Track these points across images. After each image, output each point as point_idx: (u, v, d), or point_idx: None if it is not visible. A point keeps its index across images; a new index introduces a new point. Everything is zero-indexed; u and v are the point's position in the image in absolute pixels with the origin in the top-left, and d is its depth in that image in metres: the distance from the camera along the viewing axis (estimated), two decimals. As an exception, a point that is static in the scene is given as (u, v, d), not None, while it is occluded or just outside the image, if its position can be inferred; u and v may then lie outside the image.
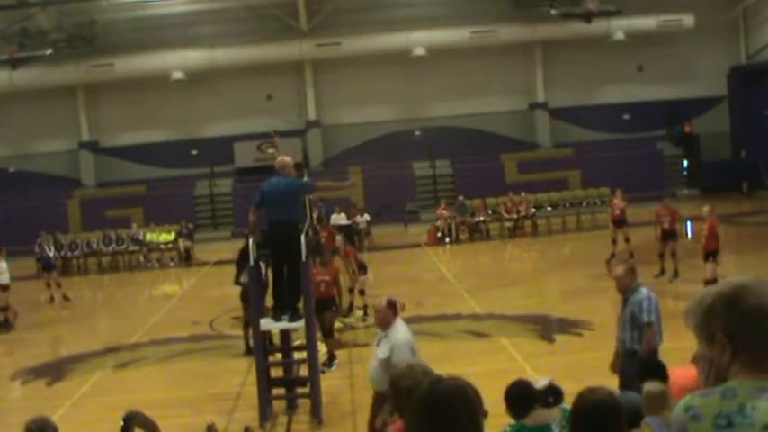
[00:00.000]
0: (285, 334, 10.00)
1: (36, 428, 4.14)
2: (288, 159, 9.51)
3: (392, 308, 7.10)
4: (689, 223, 22.22)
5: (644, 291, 7.13)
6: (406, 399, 2.63)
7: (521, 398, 4.33)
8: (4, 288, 16.44)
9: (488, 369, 10.20)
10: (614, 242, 18.34)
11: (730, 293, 2.07)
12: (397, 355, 6.69)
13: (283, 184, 9.16)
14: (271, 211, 9.08)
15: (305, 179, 10.92)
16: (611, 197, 21.23)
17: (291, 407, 9.66)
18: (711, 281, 12.53)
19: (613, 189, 21.03)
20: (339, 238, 16.22)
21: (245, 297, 11.26)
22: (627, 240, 18.40)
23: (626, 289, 7.12)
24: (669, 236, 15.82)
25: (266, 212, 9.17)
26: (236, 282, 11.97)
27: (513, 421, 4.36)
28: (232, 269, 12.44)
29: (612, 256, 18.19)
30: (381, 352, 6.94)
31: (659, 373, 4.66)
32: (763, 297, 2.04)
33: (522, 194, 26.85)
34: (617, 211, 18.67)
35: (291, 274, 9.10)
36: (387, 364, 6.64)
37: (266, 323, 9.24)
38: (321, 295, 10.87)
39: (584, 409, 3.55)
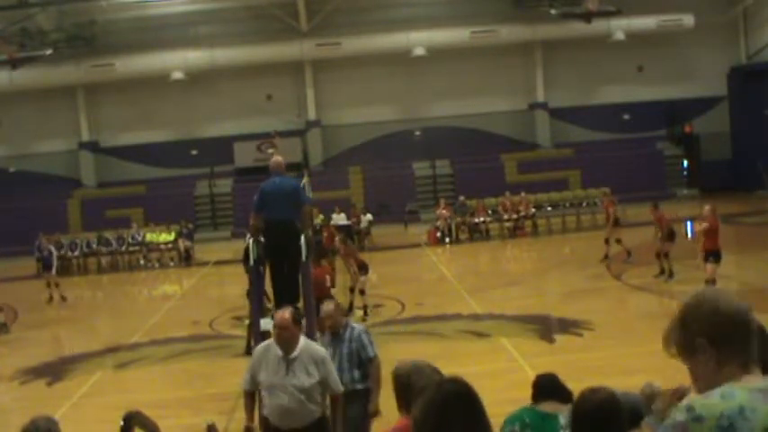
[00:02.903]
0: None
1: (33, 428, 4.14)
2: (281, 159, 9.59)
3: (298, 324, 5.94)
4: (689, 223, 22.23)
5: (357, 326, 6.80)
6: (415, 397, 2.66)
7: (542, 388, 4.39)
8: None
9: (488, 369, 10.19)
10: (607, 242, 18.46)
11: (698, 298, 2.15)
12: (330, 370, 5.91)
13: (288, 184, 9.17)
14: (271, 211, 9.04)
15: (303, 184, 10.86)
16: (601, 198, 21.29)
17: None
18: (712, 281, 12.52)
19: (612, 190, 21.05)
20: (338, 238, 16.22)
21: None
22: (618, 241, 18.45)
23: (338, 326, 6.70)
24: (666, 236, 15.84)
25: (266, 212, 9.13)
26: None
27: None
28: (232, 269, 12.43)
29: (606, 256, 18.28)
30: (306, 378, 5.72)
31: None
32: (730, 299, 2.13)
33: (522, 194, 26.87)
34: (606, 213, 19.03)
35: (291, 274, 9.10)
36: (320, 386, 5.78)
37: (266, 323, 9.23)
38: None
39: (585, 410, 3.55)
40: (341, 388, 5.96)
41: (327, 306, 6.84)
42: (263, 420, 5.93)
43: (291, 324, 5.75)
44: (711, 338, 2.07)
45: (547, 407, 4.25)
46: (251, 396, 5.96)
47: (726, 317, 2.08)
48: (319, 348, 6.04)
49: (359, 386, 6.57)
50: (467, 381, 2.61)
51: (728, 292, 2.18)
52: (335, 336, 6.70)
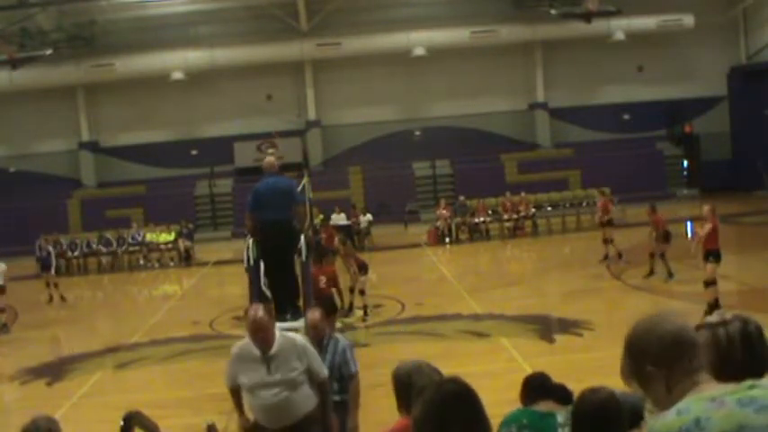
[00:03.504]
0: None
1: (34, 428, 4.13)
2: (273, 159, 9.63)
3: (272, 318, 5.68)
4: (689, 223, 22.23)
5: (341, 339, 6.61)
6: (415, 397, 2.67)
7: (535, 388, 4.34)
8: (1, 290, 16.32)
9: (488, 369, 10.19)
10: (605, 242, 18.59)
11: (639, 329, 2.29)
12: (313, 357, 5.64)
13: (282, 184, 9.16)
14: (266, 211, 9.02)
15: (303, 184, 10.91)
16: (599, 196, 21.33)
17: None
18: (711, 282, 12.50)
19: (612, 190, 21.05)
20: (337, 238, 16.20)
21: None
22: (611, 241, 18.52)
23: (322, 335, 6.50)
24: (662, 238, 15.86)
25: (261, 212, 9.11)
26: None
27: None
28: (232, 269, 12.42)
29: (606, 256, 18.35)
30: (289, 372, 5.45)
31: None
32: (669, 320, 2.27)
33: (522, 194, 26.89)
34: (599, 212, 19.25)
35: (289, 273, 9.10)
36: (306, 375, 5.54)
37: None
38: None
39: (586, 410, 3.55)
40: (326, 373, 5.73)
41: (313, 314, 6.63)
42: (253, 424, 5.72)
43: (268, 322, 5.41)
44: (659, 364, 2.21)
45: (543, 406, 4.23)
46: (236, 392, 5.73)
47: (669, 340, 2.21)
48: (296, 337, 5.74)
49: (337, 398, 6.40)
50: (466, 381, 2.61)
51: (667, 315, 2.30)
52: (318, 345, 6.48)
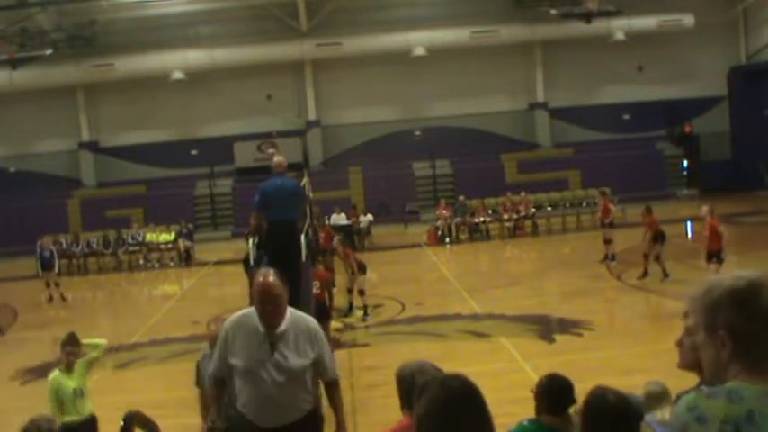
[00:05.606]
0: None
1: (34, 428, 4.13)
2: (283, 159, 9.60)
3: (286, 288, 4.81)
4: (689, 223, 22.24)
5: None
6: (417, 395, 2.66)
7: (560, 397, 4.11)
8: None
9: (488, 369, 10.18)
10: (605, 242, 18.65)
11: (742, 290, 1.97)
12: (326, 348, 4.74)
13: (290, 185, 9.15)
14: (275, 211, 9.01)
15: (304, 184, 10.89)
16: (599, 196, 21.36)
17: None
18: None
19: (612, 190, 21.07)
20: (336, 238, 16.17)
21: None
22: (610, 242, 18.54)
23: None
24: (656, 238, 15.85)
25: (271, 213, 9.10)
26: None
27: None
28: (232, 269, 12.41)
29: (606, 256, 18.37)
30: (297, 359, 4.52)
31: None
32: None
33: (522, 194, 26.90)
34: (599, 213, 19.37)
35: (296, 274, 9.09)
36: (313, 369, 4.61)
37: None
38: None
39: (598, 410, 3.55)
40: (338, 374, 4.94)
41: None
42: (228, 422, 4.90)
43: (282, 290, 4.45)
44: (734, 333, 1.93)
45: (547, 419, 4.15)
46: (221, 384, 4.74)
47: (755, 315, 1.92)
48: (309, 319, 4.77)
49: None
50: (470, 378, 2.61)
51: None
52: None
